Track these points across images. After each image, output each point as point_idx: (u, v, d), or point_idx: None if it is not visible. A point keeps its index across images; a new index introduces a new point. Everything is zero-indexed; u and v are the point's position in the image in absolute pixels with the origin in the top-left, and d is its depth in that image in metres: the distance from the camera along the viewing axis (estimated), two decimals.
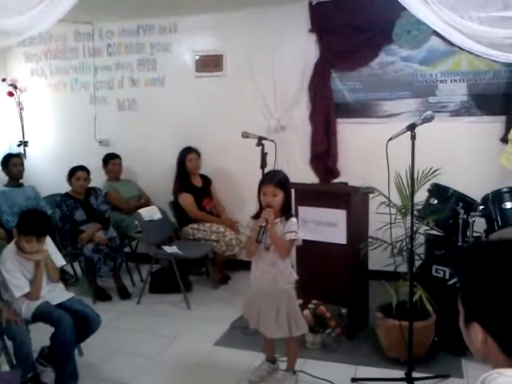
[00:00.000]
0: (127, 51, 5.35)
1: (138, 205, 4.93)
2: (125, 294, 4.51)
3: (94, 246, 4.40)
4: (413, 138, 2.70)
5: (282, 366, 3.13)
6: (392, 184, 2.98)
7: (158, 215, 4.60)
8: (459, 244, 3.34)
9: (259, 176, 3.11)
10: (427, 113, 2.72)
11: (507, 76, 4.21)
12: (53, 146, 5.76)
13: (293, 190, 3.36)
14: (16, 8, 2.89)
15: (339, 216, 3.43)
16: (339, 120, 4.71)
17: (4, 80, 5.71)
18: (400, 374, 2.97)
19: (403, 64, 4.49)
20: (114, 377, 3.17)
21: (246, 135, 4.00)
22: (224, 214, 5.00)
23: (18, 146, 5.79)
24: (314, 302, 3.45)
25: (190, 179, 4.89)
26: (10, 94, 5.68)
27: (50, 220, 3.29)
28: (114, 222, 4.86)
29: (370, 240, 3.38)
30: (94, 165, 4.92)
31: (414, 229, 2.95)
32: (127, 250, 5.00)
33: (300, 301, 3.40)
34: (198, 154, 4.93)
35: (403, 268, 3.11)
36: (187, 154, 4.87)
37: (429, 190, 3.52)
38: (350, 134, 4.69)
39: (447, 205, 3.41)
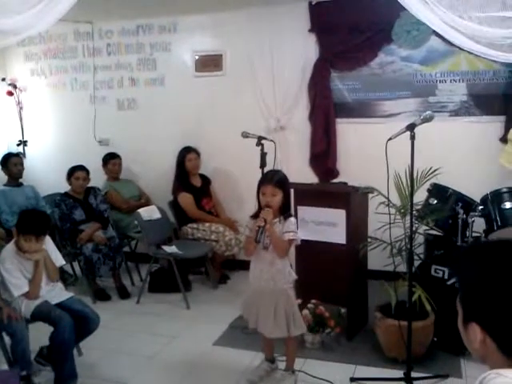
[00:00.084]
0: (127, 51, 5.35)
1: (138, 205, 4.92)
2: (124, 294, 4.51)
3: (93, 246, 4.40)
4: (412, 137, 2.70)
5: (281, 365, 3.13)
6: (391, 184, 2.98)
7: (157, 215, 4.60)
8: (458, 244, 3.35)
9: (259, 176, 3.11)
10: (427, 113, 2.72)
11: (507, 76, 4.21)
12: (52, 146, 5.76)
13: (292, 190, 3.36)
14: (15, 8, 2.89)
15: (339, 216, 3.43)
16: (339, 120, 4.71)
17: (3, 79, 5.71)
18: (399, 373, 2.97)
19: (403, 64, 4.49)
20: (113, 376, 3.17)
21: (245, 135, 4.01)
22: (223, 213, 5.00)
23: (18, 145, 5.80)
24: (313, 301, 3.45)
25: (190, 179, 4.89)
26: (10, 93, 5.68)
27: (50, 219, 3.29)
28: (113, 222, 4.87)
29: (369, 240, 3.38)
30: (94, 164, 4.91)
31: (414, 229, 2.95)
32: (126, 249, 5.00)
33: (299, 300, 3.40)
34: (198, 153, 4.93)
35: (402, 268, 3.11)
36: (187, 154, 4.87)
37: (428, 190, 3.52)
38: (350, 133, 4.69)
39: (446, 205, 3.42)
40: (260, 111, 4.89)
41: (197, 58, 5.13)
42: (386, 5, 4.02)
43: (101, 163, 5.13)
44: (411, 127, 2.69)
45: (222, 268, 4.91)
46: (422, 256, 3.48)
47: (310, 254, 3.54)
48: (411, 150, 2.71)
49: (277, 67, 4.77)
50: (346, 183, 3.90)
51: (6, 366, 2.95)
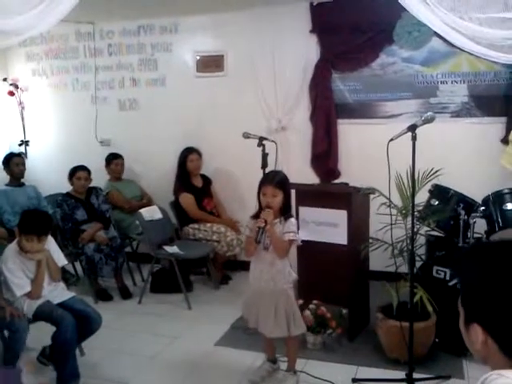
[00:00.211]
0: (128, 51, 5.36)
1: (139, 205, 4.93)
2: (126, 294, 4.52)
3: (95, 246, 4.41)
4: (413, 138, 2.70)
5: (283, 366, 3.14)
6: (393, 185, 2.98)
7: (158, 215, 4.61)
8: (460, 245, 3.35)
9: (260, 176, 3.11)
10: (428, 114, 2.72)
11: (508, 77, 4.22)
12: (54, 146, 5.77)
13: (293, 191, 3.37)
14: (17, 8, 2.90)
15: (340, 216, 3.43)
16: (340, 120, 4.72)
17: (5, 80, 5.72)
18: (401, 374, 2.98)
19: (404, 65, 4.49)
20: (114, 376, 3.17)
21: (246, 135, 4.01)
22: (224, 214, 5.01)
23: (19, 145, 5.80)
24: (314, 302, 3.45)
25: (191, 179, 4.90)
26: (11, 93, 5.68)
27: (52, 219, 3.29)
28: (115, 222, 4.87)
29: (370, 241, 3.38)
30: (95, 165, 4.92)
31: (415, 230, 2.95)
32: (128, 249, 5.01)
33: (301, 301, 3.41)
34: (200, 154, 4.93)
35: (404, 269, 3.11)
36: (188, 155, 4.87)
37: (429, 191, 3.52)
38: (351, 134, 4.70)
39: (448, 206, 3.41)
40: (261, 112, 4.89)
41: (198, 58, 5.13)
42: (387, 6, 4.02)
43: (102, 163, 5.14)
44: (412, 128, 2.69)
45: (224, 268, 4.91)
46: (423, 257, 3.48)
47: (311, 254, 3.54)
48: (412, 150, 2.71)
49: (278, 68, 4.77)
50: (347, 184, 3.90)
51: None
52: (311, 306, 3.43)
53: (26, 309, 3.02)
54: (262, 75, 4.83)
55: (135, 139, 5.36)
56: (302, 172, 4.63)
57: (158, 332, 3.80)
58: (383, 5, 4.28)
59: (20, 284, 3.02)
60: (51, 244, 3.23)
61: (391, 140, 2.69)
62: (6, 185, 4.75)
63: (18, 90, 5.71)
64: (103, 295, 4.47)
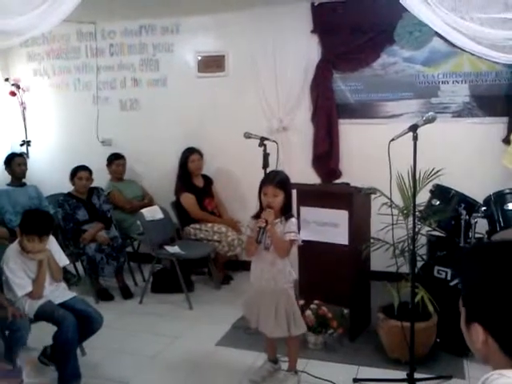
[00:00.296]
0: (129, 51, 5.36)
1: (141, 205, 4.93)
2: (127, 294, 4.52)
3: (96, 246, 4.42)
4: (415, 138, 2.70)
5: (284, 366, 3.14)
6: (394, 185, 2.99)
7: (159, 215, 4.62)
8: (461, 245, 3.35)
9: (261, 176, 3.11)
10: (429, 114, 2.71)
11: (509, 77, 4.21)
12: (55, 146, 5.78)
13: (295, 191, 3.37)
14: (19, 9, 2.91)
15: (341, 217, 3.43)
16: (341, 121, 4.72)
17: (7, 80, 5.73)
18: (402, 374, 2.97)
19: (405, 65, 4.49)
20: (116, 376, 3.17)
21: (248, 135, 4.01)
22: (226, 214, 5.01)
23: (21, 145, 5.81)
24: (315, 302, 3.45)
25: (192, 179, 4.90)
26: (13, 93, 5.69)
27: (53, 219, 3.30)
28: (116, 222, 4.88)
29: (371, 241, 3.38)
30: (97, 165, 4.92)
31: (416, 230, 2.95)
32: (129, 249, 5.01)
33: (302, 301, 3.42)
34: (201, 154, 4.93)
35: (405, 269, 3.11)
36: (190, 155, 4.87)
37: (431, 191, 3.52)
38: (352, 134, 4.70)
39: (449, 206, 3.41)
40: (262, 112, 4.90)
41: (199, 58, 5.14)
42: (389, 6, 4.02)
43: (104, 163, 5.14)
44: (414, 128, 2.69)
45: (225, 268, 4.91)
46: (424, 257, 3.48)
47: (312, 254, 3.54)
48: (414, 150, 2.71)
49: (279, 68, 4.77)
50: (348, 184, 3.90)
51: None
52: (312, 306, 3.44)
53: (28, 309, 3.02)
54: (264, 75, 4.83)
55: (136, 139, 5.37)
56: (303, 172, 4.63)
57: (159, 332, 3.80)
58: (384, 5, 4.29)
59: (21, 284, 3.02)
60: (52, 244, 3.23)
61: (392, 140, 2.69)
62: (8, 185, 4.76)
63: (20, 90, 5.72)
64: (104, 295, 4.48)
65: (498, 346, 0.99)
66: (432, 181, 3.18)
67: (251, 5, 4.65)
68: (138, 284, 4.83)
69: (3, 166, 4.85)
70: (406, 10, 2.88)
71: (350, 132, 4.71)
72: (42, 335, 3.12)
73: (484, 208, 3.38)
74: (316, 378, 3.05)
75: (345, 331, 3.46)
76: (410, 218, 2.94)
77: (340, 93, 4.70)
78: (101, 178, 5.00)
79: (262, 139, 3.92)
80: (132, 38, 5.32)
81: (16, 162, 4.78)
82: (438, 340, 3.27)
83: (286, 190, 2.85)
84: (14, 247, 3.11)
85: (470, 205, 3.43)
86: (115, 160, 5.15)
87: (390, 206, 3.06)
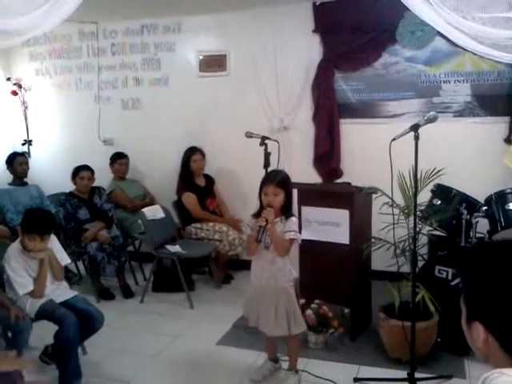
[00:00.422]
0: (131, 51, 5.37)
1: (142, 204, 4.94)
2: (128, 293, 4.52)
3: (97, 245, 4.43)
4: (416, 138, 2.70)
5: (285, 365, 3.14)
6: (395, 184, 2.98)
7: (161, 214, 4.62)
8: (462, 245, 3.35)
9: (262, 176, 3.12)
10: (431, 113, 2.71)
11: (511, 77, 4.21)
12: (57, 145, 5.79)
13: (296, 190, 3.37)
14: (20, 9, 2.91)
15: (342, 216, 3.43)
16: (342, 120, 4.72)
17: (9, 79, 5.73)
18: (402, 374, 2.97)
19: (407, 64, 4.49)
20: (116, 375, 3.18)
21: (249, 135, 4.01)
22: (227, 213, 5.02)
23: (23, 144, 5.82)
24: (316, 301, 3.45)
25: (194, 179, 4.91)
26: (15, 93, 5.70)
27: (54, 219, 3.30)
28: (117, 221, 4.89)
29: (372, 240, 3.38)
30: (98, 164, 4.93)
31: (417, 229, 2.95)
32: (130, 249, 5.02)
33: (303, 300, 3.42)
34: (203, 154, 4.93)
35: (406, 268, 3.11)
36: (192, 155, 4.88)
37: (432, 191, 3.52)
38: (354, 134, 4.70)
39: (450, 205, 3.41)
40: (263, 111, 4.90)
41: (201, 58, 5.14)
42: (390, 5, 4.02)
43: (105, 163, 5.14)
44: (415, 128, 2.69)
45: (226, 268, 4.91)
46: (425, 256, 3.48)
47: (313, 254, 3.55)
48: (415, 150, 2.71)
49: (280, 67, 4.77)
50: (349, 183, 3.90)
51: None
52: (313, 306, 3.44)
53: (29, 308, 3.03)
54: (265, 75, 4.83)
55: (138, 139, 5.37)
56: (304, 172, 4.63)
57: (159, 331, 3.81)
58: (386, 4, 4.29)
59: (23, 283, 3.03)
60: (54, 243, 3.24)
61: (394, 140, 2.70)
62: (9, 184, 4.77)
63: (22, 89, 5.73)
64: (105, 294, 4.48)
65: (499, 344, 0.99)
66: (433, 180, 3.18)
67: (253, 4, 4.66)
68: (139, 283, 4.84)
69: (5, 166, 4.86)
70: (408, 10, 2.87)
71: (352, 132, 4.71)
72: (43, 334, 3.13)
73: (485, 208, 3.38)
74: (317, 377, 3.05)
75: (345, 331, 3.46)
76: (411, 218, 2.94)
77: (341, 92, 4.70)
78: (102, 178, 5.00)
79: (263, 139, 3.93)
80: (134, 37, 5.33)
81: (18, 162, 4.79)
82: (439, 339, 3.27)
83: (286, 189, 2.85)
84: (15, 246, 3.12)
85: (471, 204, 3.43)
86: (118, 159, 5.15)
87: (391, 205, 3.06)
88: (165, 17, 5.12)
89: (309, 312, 3.38)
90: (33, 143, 5.86)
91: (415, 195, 2.85)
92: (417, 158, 2.73)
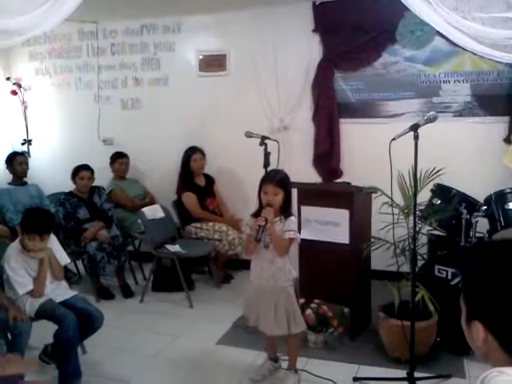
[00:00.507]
0: (131, 51, 5.37)
1: (142, 203, 4.94)
2: (128, 293, 4.52)
3: (97, 245, 4.43)
4: (416, 138, 2.70)
5: (284, 364, 3.14)
6: (395, 184, 2.98)
7: (160, 214, 4.62)
8: (462, 244, 3.35)
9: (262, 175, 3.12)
10: (430, 113, 2.71)
11: (511, 76, 4.21)
12: (57, 145, 5.78)
13: (296, 190, 3.37)
14: (21, 8, 2.91)
15: (342, 216, 3.43)
16: (342, 120, 4.72)
17: (8, 79, 5.73)
18: (402, 373, 2.98)
19: (406, 64, 4.49)
20: (116, 375, 3.18)
21: (249, 135, 4.01)
22: (227, 213, 5.02)
23: (22, 144, 5.82)
24: (316, 301, 3.45)
25: (194, 179, 4.91)
26: (14, 92, 5.70)
27: (54, 218, 3.30)
28: (117, 221, 4.89)
29: (372, 240, 3.38)
30: (98, 164, 4.93)
31: (417, 229, 2.95)
32: (130, 248, 5.02)
33: (302, 300, 3.42)
34: (203, 154, 4.93)
35: (406, 268, 3.11)
36: (192, 154, 4.88)
37: (432, 191, 3.52)
38: (353, 134, 4.70)
39: (450, 205, 3.41)
40: (263, 111, 4.90)
41: (200, 57, 5.14)
42: (390, 5, 4.02)
43: (105, 162, 5.14)
44: (415, 127, 2.69)
45: (226, 267, 4.91)
46: (425, 256, 3.48)
47: (313, 253, 3.55)
48: (415, 150, 2.71)
49: (280, 67, 4.77)
50: (349, 183, 3.90)
51: None
52: (313, 305, 3.44)
53: (29, 307, 3.03)
54: (265, 75, 4.83)
55: (138, 138, 5.37)
56: (304, 171, 4.63)
57: (159, 330, 3.81)
58: (386, 4, 4.29)
59: (22, 282, 3.02)
60: (54, 243, 3.24)
61: (393, 139, 2.69)
62: (9, 183, 4.77)
63: (21, 89, 5.72)
64: (105, 294, 4.48)
65: (498, 343, 0.99)
66: (433, 180, 3.18)
67: (252, 4, 4.66)
68: (138, 283, 4.84)
69: (4, 165, 4.85)
70: (408, 10, 2.87)
71: (351, 131, 4.71)
72: (42, 333, 3.13)
73: (485, 207, 3.38)
74: (316, 376, 3.05)
75: (345, 330, 3.46)
76: (411, 218, 2.94)
77: (341, 92, 4.70)
78: (102, 177, 5.00)
79: (263, 138, 3.93)
80: (133, 37, 5.33)
81: (17, 161, 4.79)
82: (439, 339, 3.27)
83: (285, 188, 2.85)
84: (15, 246, 3.12)
85: (471, 204, 3.43)
86: (118, 158, 5.15)
87: (391, 205, 3.06)
88: (164, 16, 5.12)
89: (308, 311, 3.38)
90: (32, 143, 5.85)
91: (415, 195, 2.85)
92: (416, 157, 2.73)
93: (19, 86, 5.70)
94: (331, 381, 3.01)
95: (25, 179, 4.86)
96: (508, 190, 3.41)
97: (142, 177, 5.44)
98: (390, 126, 4.31)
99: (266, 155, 3.89)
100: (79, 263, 4.78)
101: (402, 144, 2.68)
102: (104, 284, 4.60)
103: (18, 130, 5.86)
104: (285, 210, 2.86)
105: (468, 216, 3.32)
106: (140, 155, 5.35)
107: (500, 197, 3.39)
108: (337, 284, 3.46)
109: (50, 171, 5.63)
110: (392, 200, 3.05)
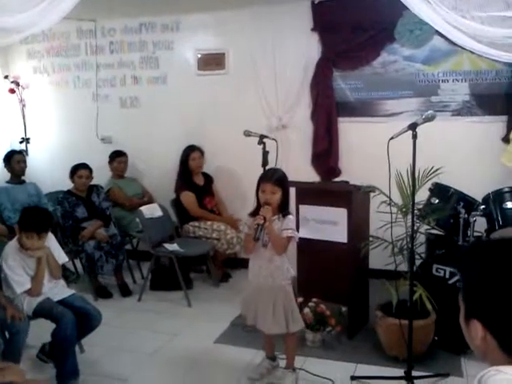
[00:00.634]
0: (129, 49, 5.36)
1: (140, 202, 4.94)
2: (126, 291, 4.52)
3: (95, 243, 4.42)
4: (414, 137, 2.70)
5: (282, 363, 3.14)
6: (393, 183, 2.99)
7: (158, 213, 4.62)
8: (460, 243, 3.35)
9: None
10: (429, 112, 2.71)
11: (509, 76, 4.21)
12: (55, 143, 5.77)
13: (294, 189, 3.37)
14: (19, 6, 2.91)
15: (340, 214, 3.43)
16: (341, 119, 4.72)
17: (6, 77, 5.71)
18: (400, 372, 2.97)
19: (405, 63, 4.49)
20: (114, 373, 3.18)
21: (247, 133, 4.01)
22: (225, 212, 5.02)
23: (20, 142, 5.81)
24: (314, 300, 3.45)
25: (192, 177, 4.90)
26: (12, 91, 5.69)
27: (52, 217, 3.29)
28: (115, 220, 4.88)
29: (370, 239, 3.38)
30: (96, 162, 4.92)
31: (415, 228, 2.95)
32: (128, 247, 5.01)
33: (301, 299, 3.42)
34: (202, 152, 4.93)
35: (403, 267, 3.11)
36: (191, 153, 4.87)
37: (430, 190, 3.53)
38: (352, 132, 4.70)
39: (448, 204, 3.42)
40: (262, 110, 4.90)
41: (199, 56, 5.14)
42: (389, 4, 4.02)
43: (103, 161, 5.13)
44: (413, 126, 2.69)
45: (224, 266, 4.91)
46: (423, 255, 3.49)
47: (311, 252, 3.55)
48: (413, 149, 2.71)
49: (279, 66, 4.77)
50: (347, 182, 3.90)
51: None
52: (311, 304, 3.44)
53: (26, 306, 3.03)
54: (263, 73, 4.83)
55: (136, 137, 5.37)
56: (302, 170, 4.63)
57: (157, 329, 3.81)
58: (385, 3, 4.29)
59: (20, 281, 3.02)
60: (51, 241, 3.23)
61: (392, 138, 2.69)
62: (7, 182, 4.77)
63: (19, 87, 5.71)
64: (103, 292, 4.48)
65: (497, 342, 1.00)
66: (431, 179, 3.18)
67: (251, 3, 4.65)
68: (136, 281, 4.83)
69: (2, 164, 4.85)
70: (407, 9, 2.88)
71: (350, 130, 4.71)
72: (40, 332, 3.12)
73: (483, 206, 3.38)
74: (314, 375, 3.05)
75: (343, 329, 3.46)
76: (409, 216, 2.94)
77: (340, 91, 4.70)
78: (100, 176, 4.99)
79: (262, 137, 3.92)
80: (132, 35, 5.32)
81: (15, 160, 4.78)
82: (436, 338, 3.28)
83: (283, 187, 2.85)
84: (12, 244, 3.11)
85: (469, 203, 3.43)
86: (117, 157, 5.15)
87: (389, 204, 3.07)
88: (163, 15, 5.11)
89: (306, 310, 3.38)
90: (30, 141, 5.84)
91: (413, 194, 2.86)
92: (415, 156, 2.72)
93: (17, 84, 5.69)
94: (329, 379, 3.01)
95: (23, 178, 4.86)
96: (506, 189, 3.42)
97: (141, 175, 5.43)
98: (389, 124, 4.32)
99: (265, 154, 3.88)
100: (77, 262, 4.77)
101: (401, 143, 2.68)
102: (102, 283, 4.60)
103: (16, 129, 5.84)
104: (283, 209, 2.86)
105: (466, 215, 3.33)
106: (138, 154, 5.35)
107: (498, 196, 3.40)
108: (335, 283, 3.46)
109: (48, 170, 5.62)
110: (390, 199, 3.05)
